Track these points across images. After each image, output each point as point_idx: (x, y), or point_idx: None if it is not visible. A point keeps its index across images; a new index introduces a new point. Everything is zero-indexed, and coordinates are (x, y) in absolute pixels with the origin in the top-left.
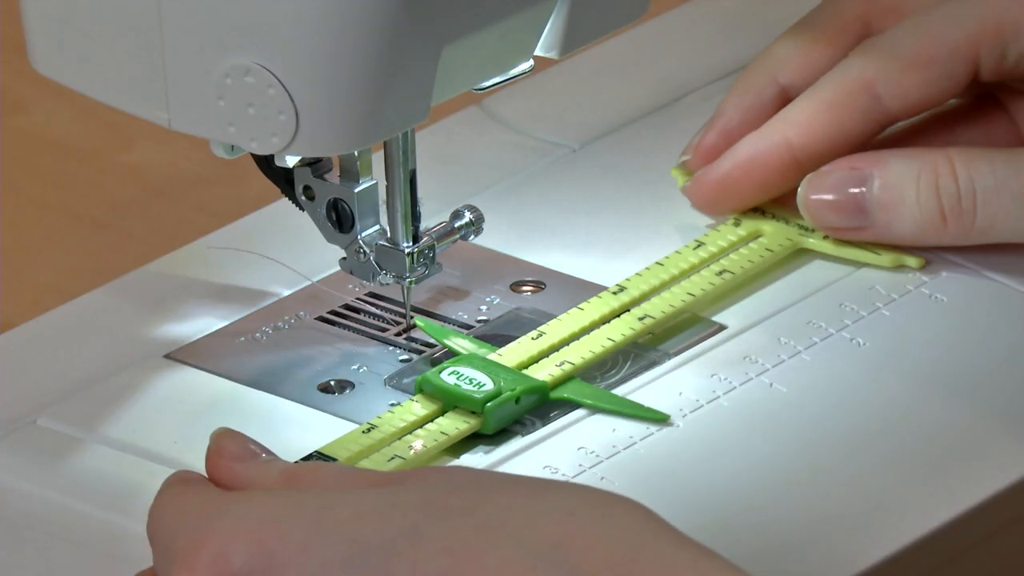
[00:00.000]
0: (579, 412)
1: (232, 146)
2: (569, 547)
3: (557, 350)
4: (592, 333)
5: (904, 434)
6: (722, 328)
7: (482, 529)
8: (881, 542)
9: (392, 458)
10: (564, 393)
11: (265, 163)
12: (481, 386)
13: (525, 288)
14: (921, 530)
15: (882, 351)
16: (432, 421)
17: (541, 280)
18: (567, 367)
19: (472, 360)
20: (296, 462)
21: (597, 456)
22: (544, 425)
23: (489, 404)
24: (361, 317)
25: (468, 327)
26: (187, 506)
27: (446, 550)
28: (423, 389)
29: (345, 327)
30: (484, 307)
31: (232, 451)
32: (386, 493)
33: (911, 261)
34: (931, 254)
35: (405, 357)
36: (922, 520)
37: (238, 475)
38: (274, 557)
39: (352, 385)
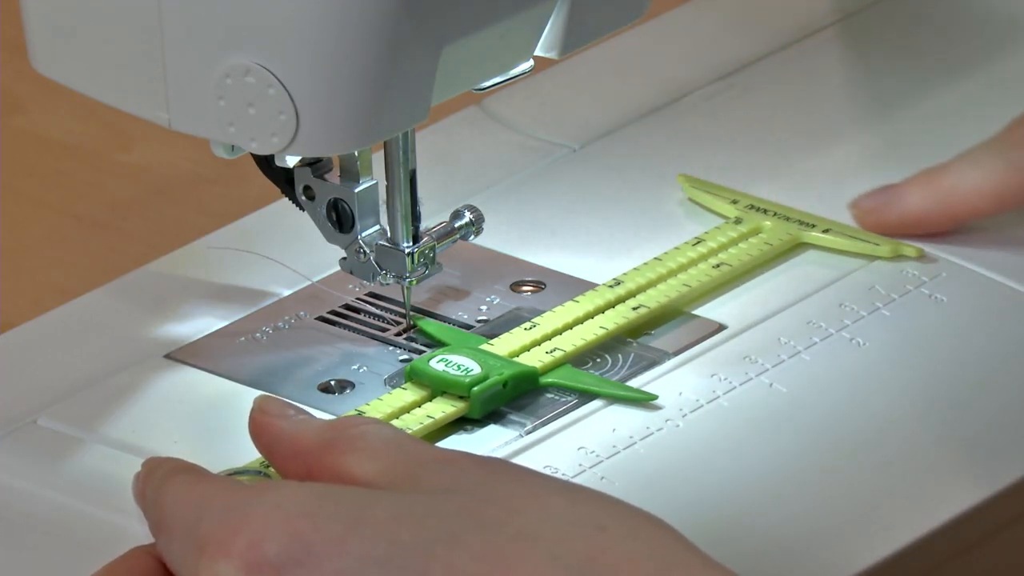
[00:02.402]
0: (579, 412)
1: (232, 146)
2: (601, 563)
3: (550, 339)
4: (585, 323)
5: (904, 434)
6: (722, 328)
7: (516, 540)
8: (881, 542)
9: None
10: (553, 378)
11: (265, 163)
12: (468, 371)
13: (525, 288)
14: (921, 530)
15: (882, 351)
16: (420, 407)
17: (541, 280)
18: (558, 354)
19: (462, 348)
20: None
21: (597, 456)
22: (544, 425)
23: (476, 388)
24: (361, 317)
25: (468, 327)
26: (208, 493)
27: (481, 558)
28: (413, 377)
29: (345, 327)
30: (484, 307)
31: (274, 411)
32: (423, 500)
33: (909, 251)
34: (931, 253)
35: (405, 357)
36: (922, 520)
37: (278, 430)
38: (311, 548)
39: (352, 385)
